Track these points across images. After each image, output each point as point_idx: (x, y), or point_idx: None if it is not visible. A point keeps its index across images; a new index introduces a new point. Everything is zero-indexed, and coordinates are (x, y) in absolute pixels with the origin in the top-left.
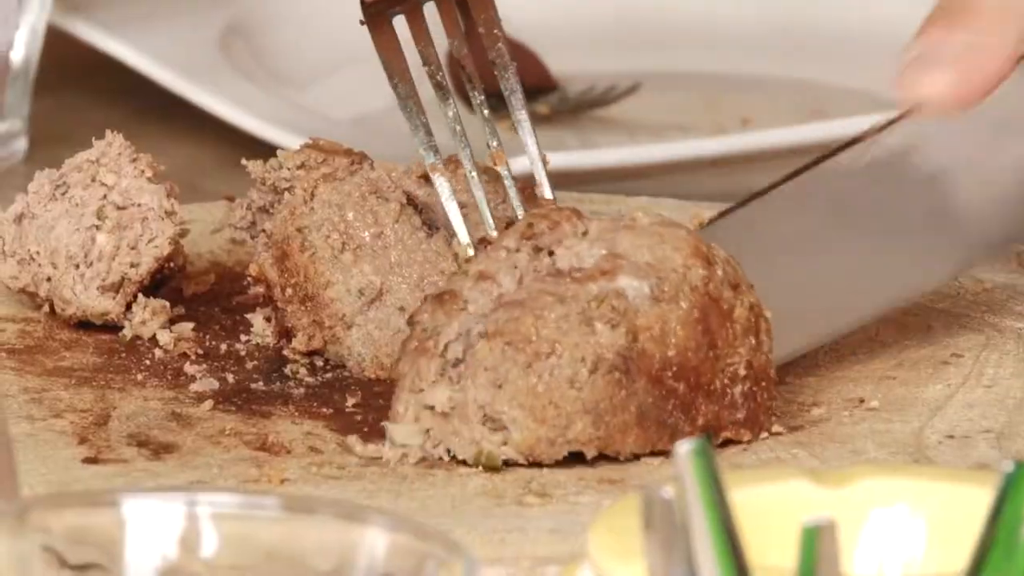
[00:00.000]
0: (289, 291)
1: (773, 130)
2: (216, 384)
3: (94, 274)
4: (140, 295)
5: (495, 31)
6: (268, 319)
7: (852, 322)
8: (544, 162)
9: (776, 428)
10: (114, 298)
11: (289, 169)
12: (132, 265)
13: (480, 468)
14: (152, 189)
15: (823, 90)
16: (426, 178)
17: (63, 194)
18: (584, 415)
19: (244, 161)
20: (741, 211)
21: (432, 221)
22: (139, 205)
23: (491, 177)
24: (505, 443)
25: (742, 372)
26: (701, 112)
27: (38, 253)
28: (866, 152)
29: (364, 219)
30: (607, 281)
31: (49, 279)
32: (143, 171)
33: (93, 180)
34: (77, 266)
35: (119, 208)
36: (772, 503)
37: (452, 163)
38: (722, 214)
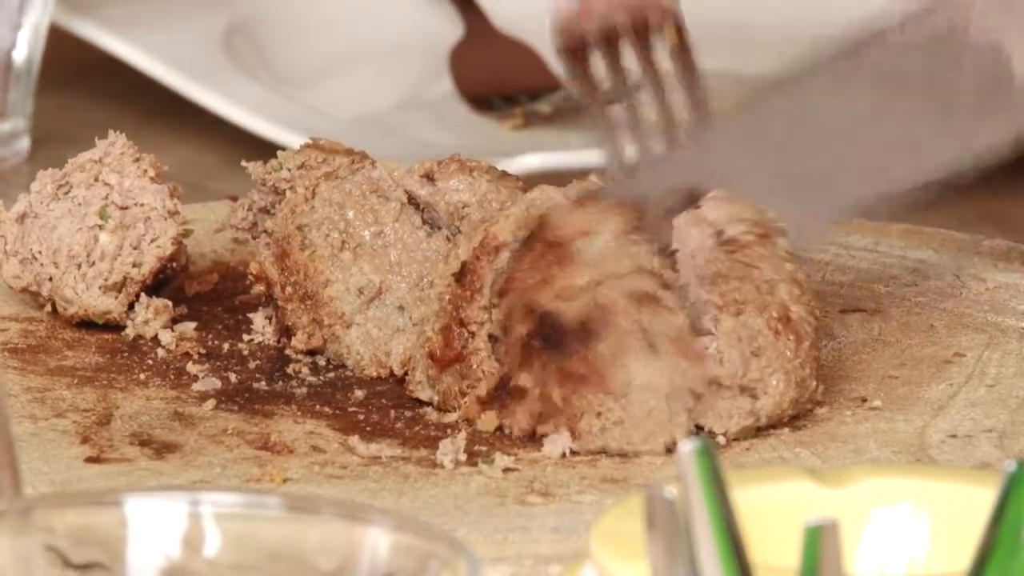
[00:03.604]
0: (289, 289)
1: None
2: (218, 383)
3: (96, 273)
4: (142, 295)
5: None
6: (269, 318)
7: (911, 179)
8: None
9: (779, 428)
10: (116, 298)
11: (289, 170)
12: (134, 265)
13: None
14: (155, 189)
15: None
16: (428, 177)
17: (66, 194)
18: (814, 371)
19: (244, 163)
20: (791, 86)
21: (433, 220)
22: (142, 205)
23: (492, 177)
24: (752, 411)
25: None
26: None
27: (40, 252)
28: (915, 28)
29: (364, 218)
30: (772, 246)
31: (51, 278)
32: (146, 171)
33: (96, 180)
34: (79, 266)
35: (121, 208)
36: (774, 503)
37: (453, 163)
38: (771, 87)
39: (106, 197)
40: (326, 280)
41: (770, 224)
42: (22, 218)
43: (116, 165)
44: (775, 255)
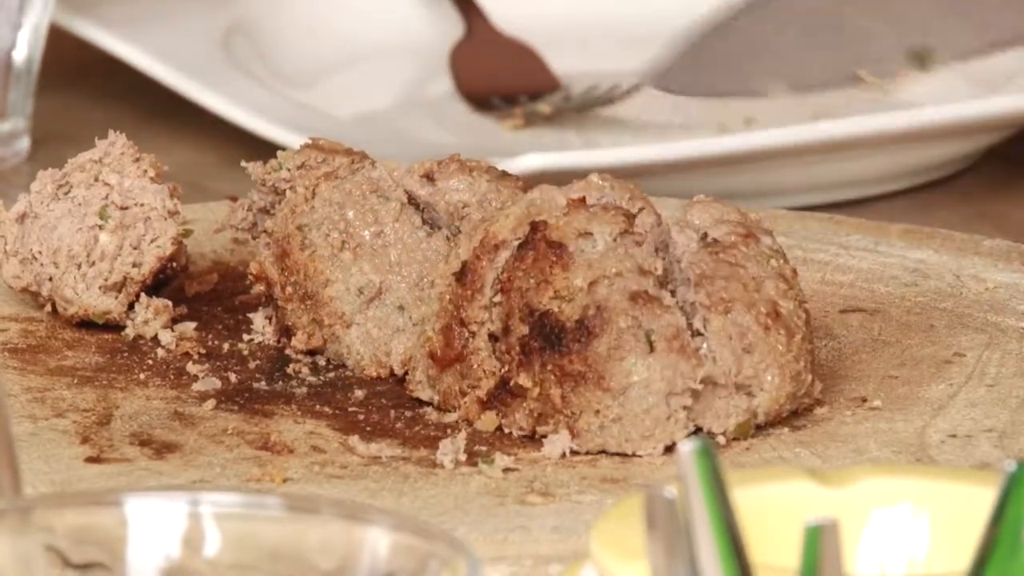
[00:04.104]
0: (289, 289)
1: (776, 129)
2: (218, 383)
3: (96, 273)
4: (142, 295)
5: None
6: (269, 318)
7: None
8: None
9: (778, 428)
10: (116, 298)
11: (289, 170)
12: (134, 265)
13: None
14: (155, 189)
15: None
16: (428, 177)
17: (66, 194)
18: (809, 365)
19: (244, 163)
20: None
21: (433, 220)
22: (142, 205)
23: (492, 177)
24: (749, 408)
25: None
26: (704, 111)
27: (40, 252)
28: None
29: (364, 218)
30: (756, 244)
31: (51, 278)
32: (146, 171)
33: (96, 180)
34: (79, 266)
35: (121, 208)
36: (775, 503)
37: (453, 163)
38: None
39: (106, 197)
40: (326, 280)
41: (753, 224)
42: (22, 218)
43: (116, 165)
44: (760, 253)
